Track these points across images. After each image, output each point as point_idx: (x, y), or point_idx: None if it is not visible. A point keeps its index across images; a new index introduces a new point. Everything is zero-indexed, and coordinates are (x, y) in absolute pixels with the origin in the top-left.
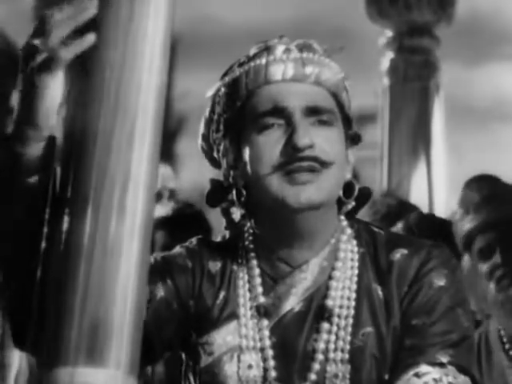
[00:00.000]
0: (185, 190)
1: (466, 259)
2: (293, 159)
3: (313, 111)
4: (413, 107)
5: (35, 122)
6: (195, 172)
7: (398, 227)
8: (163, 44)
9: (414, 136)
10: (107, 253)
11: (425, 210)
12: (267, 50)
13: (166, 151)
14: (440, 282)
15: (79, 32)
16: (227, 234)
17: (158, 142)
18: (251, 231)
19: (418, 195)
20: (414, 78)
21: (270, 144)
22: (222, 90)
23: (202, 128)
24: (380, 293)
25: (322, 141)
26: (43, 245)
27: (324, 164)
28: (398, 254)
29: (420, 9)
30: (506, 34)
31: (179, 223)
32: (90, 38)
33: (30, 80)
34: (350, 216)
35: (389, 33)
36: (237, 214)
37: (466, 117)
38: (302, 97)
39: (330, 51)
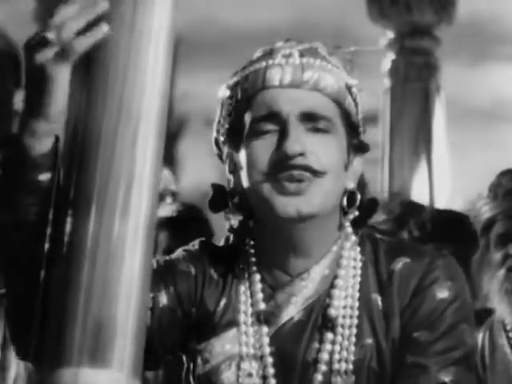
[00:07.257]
0: (186, 192)
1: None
2: (283, 167)
3: (308, 117)
4: (414, 108)
5: (47, 115)
6: (196, 173)
7: (410, 224)
8: (166, 47)
9: (415, 137)
10: (111, 254)
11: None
12: (269, 54)
13: (167, 153)
14: (442, 294)
15: (90, 25)
16: (231, 237)
17: (162, 144)
18: (253, 237)
19: (419, 195)
20: (414, 79)
21: (264, 150)
22: (227, 92)
23: (213, 131)
24: (379, 303)
25: (317, 149)
26: (47, 246)
27: (316, 173)
28: (400, 264)
29: (421, 10)
30: (506, 35)
31: (182, 225)
32: (103, 30)
33: (42, 72)
34: (360, 226)
35: (390, 34)
36: (235, 220)
37: (467, 117)
38: (298, 103)
39: (334, 53)
